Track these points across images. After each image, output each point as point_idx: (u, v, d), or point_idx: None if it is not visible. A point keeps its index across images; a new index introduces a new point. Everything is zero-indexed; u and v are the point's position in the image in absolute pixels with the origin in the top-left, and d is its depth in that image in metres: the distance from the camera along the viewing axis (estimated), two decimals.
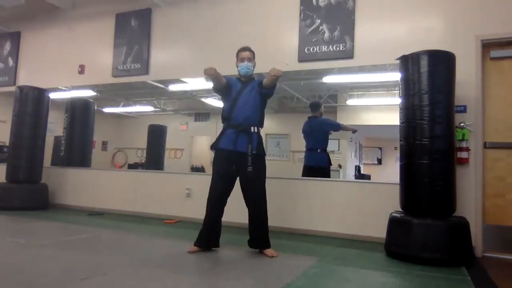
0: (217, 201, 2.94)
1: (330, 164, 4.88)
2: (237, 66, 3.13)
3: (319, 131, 4.82)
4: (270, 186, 4.19)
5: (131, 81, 5.40)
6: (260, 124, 3.07)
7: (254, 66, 3.16)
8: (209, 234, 2.93)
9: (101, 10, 5.58)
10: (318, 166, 4.66)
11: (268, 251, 2.88)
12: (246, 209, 3.02)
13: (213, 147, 3.00)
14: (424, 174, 2.92)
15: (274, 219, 3.96)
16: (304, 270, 2.46)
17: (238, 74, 3.16)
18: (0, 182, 5.09)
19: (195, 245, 2.92)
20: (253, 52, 3.16)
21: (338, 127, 4.99)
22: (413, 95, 3.01)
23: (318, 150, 4.73)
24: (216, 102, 7.85)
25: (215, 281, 2.27)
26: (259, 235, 2.96)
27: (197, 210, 4.18)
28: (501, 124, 3.40)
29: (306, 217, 3.95)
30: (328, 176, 4.79)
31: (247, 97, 3.00)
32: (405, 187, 3.07)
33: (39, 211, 4.88)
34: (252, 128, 2.96)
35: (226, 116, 3.01)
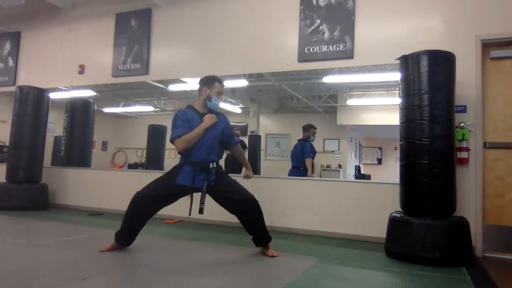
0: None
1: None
2: (209, 99, 2.86)
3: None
4: (271, 186, 4.20)
5: (131, 81, 5.40)
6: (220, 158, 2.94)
7: None
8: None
9: (101, 10, 5.58)
10: None
11: (269, 251, 2.87)
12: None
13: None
14: (424, 174, 2.92)
15: (274, 219, 3.98)
16: (304, 270, 2.46)
17: (204, 105, 2.90)
18: (0, 182, 5.09)
19: (115, 239, 2.82)
20: None
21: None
22: (413, 95, 3.01)
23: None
24: None
25: (215, 281, 2.26)
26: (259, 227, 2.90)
27: (197, 210, 4.19)
28: (501, 124, 3.40)
29: (306, 217, 3.95)
30: None
31: (210, 134, 2.81)
32: (405, 187, 3.07)
33: (39, 211, 4.87)
34: (211, 164, 2.81)
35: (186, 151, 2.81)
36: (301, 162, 5.15)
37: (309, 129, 5.29)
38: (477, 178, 3.34)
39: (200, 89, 2.94)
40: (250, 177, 3.13)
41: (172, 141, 2.79)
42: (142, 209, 2.75)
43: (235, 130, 6.90)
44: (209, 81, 2.91)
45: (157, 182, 2.81)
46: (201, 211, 2.76)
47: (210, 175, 2.79)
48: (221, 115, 2.95)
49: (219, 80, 2.93)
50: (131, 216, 2.76)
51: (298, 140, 5.40)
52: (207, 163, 2.79)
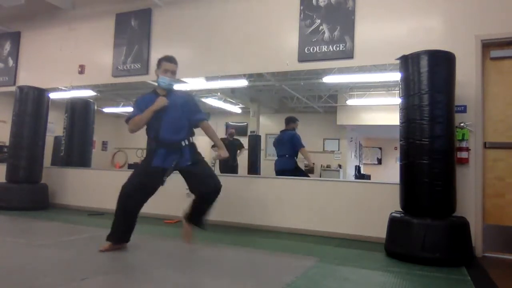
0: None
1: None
2: (157, 78, 2.92)
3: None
4: (270, 186, 4.20)
5: (131, 81, 5.40)
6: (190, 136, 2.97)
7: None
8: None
9: (101, 10, 5.58)
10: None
11: (188, 235, 2.95)
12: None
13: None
14: (424, 174, 2.92)
15: (274, 219, 3.98)
16: (304, 270, 2.46)
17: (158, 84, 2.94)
18: (0, 182, 5.09)
19: (107, 240, 2.79)
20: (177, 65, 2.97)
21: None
22: (413, 95, 3.01)
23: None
24: (217, 102, 7.86)
25: (215, 281, 2.27)
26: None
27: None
28: (501, 124, 3.40)
29: (306, 217, 3.94)
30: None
31: (173, 114, 2.86)
32: (405, 187, 3.07)
33: (39, 211, 4.87)
34: (182, 142, 2.88)
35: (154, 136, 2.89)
36: (288, 150, 5.12)
37: (294, 121, 5.32)
38: (477, 178, 3.34)
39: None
40: (223, 157, 3.01)
41: (126, 122, 2.88)
42: (129, 201, 2.79)
43: (230, 129, 6.88)
44: (158, 63, 2.93)
45: (137, 169, 2.91)
46: (162, 183, 2.81)
47: (183, 155, 2.83)
48: (180, 93, 3.01)
49: (167, 59, 2.91)
50: (120, 210, 2.80)
51: (285, 131, 5.29)
52: (177, 143, 2.84)
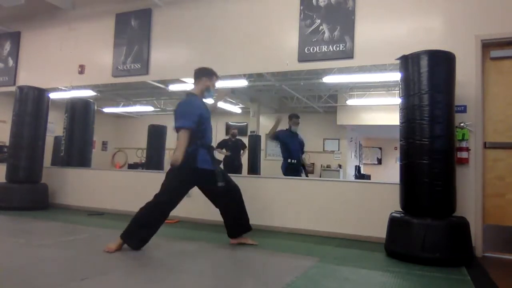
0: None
1: None
2: (208, 90, 3.19)
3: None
4: (271, 186, 4.20)
5: (131, 81, 5.40)
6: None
7: None
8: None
9: (101, 10, 5.58)
10: None
11: (249, 240, 3.15)
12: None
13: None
14: (424, 174, 2.92)
15: (274, 219, 3.98)
16: (304, 270, 2.46)
17: (203, 94, 3.21)
18: (0, 182, 5.09)
19: (126, 242, 2.82)
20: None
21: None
22: (413, 95, 3.01)
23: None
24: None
25: (216, 282, 2.27)
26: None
27: (198, 210, 4.19)
28: (501, 124, 3.40)
29: (306, 217, 3.95)
30: None
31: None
32: (405, 187, 3.07)
33: (39, 211, 4.87)
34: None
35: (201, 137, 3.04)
36: (299, 153, 5.02)
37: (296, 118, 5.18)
38: (477, 178, 3.34)
39: (199, 78, 3.18)
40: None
41: (180, 128, 2.86)
42: (167, 212, 2.94)
43: (232, 130, 6.85)
44: (209, 74, 3.21)
45: (177, 178, 2.94)
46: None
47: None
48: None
49: (216, 75, 3.26)
50: (155, 217, 2.89)
51: (293, 131, 5.07)
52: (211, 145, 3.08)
